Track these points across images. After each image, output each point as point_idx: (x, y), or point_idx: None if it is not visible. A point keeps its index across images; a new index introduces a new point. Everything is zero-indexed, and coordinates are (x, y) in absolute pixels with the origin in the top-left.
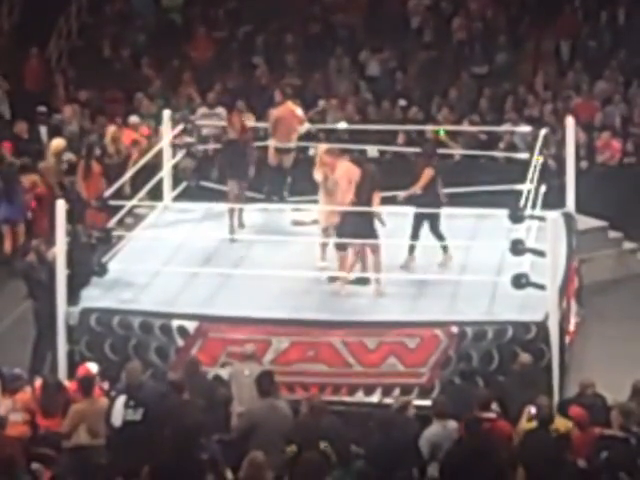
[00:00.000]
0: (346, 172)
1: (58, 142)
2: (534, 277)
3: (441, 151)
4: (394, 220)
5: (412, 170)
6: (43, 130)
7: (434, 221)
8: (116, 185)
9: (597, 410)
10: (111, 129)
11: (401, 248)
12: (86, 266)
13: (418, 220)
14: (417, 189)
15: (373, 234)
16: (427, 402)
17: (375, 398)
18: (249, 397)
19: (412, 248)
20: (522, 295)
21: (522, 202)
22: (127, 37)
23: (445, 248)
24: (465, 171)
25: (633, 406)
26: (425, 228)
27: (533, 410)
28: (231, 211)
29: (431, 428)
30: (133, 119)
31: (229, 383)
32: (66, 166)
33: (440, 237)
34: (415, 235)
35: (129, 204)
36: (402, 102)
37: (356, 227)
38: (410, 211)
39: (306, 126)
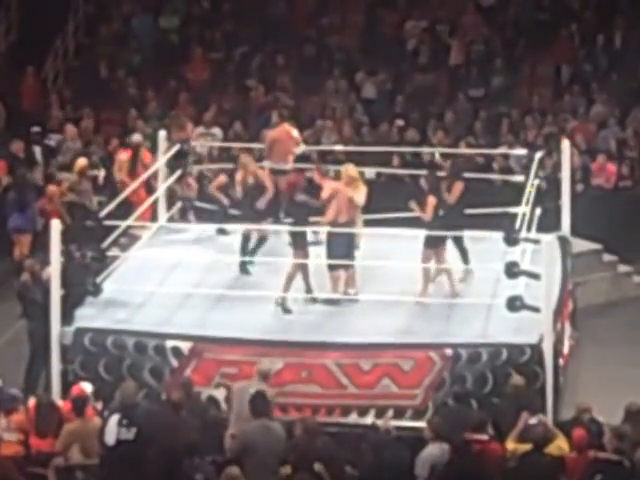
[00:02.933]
0: (333, 192)
1: (82, 160)
2: (529, 300)
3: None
4: (388, 242)
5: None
6: (37, 150)
7: (461, 237)
8: (111, 206)
9: (592, 433)
10: (120, 157)
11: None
12: (80, 286)
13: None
14: (450, 201)
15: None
16: (421, 424)
17: (369, 419)
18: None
19: (465, 261)
20: (516, 318)
21: (517, 225)
22: (123, 58)
23: (466, 262)
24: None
25: (627, 429)
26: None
27: (532, 420)
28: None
29: (428, 449)
30: (136, 137)
31: (230, 401)
32: (90, 185)
33: (464, 252)
34: (462, 250)
35: (124, 224)
36: (399, 122)
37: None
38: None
39: (302, 147)
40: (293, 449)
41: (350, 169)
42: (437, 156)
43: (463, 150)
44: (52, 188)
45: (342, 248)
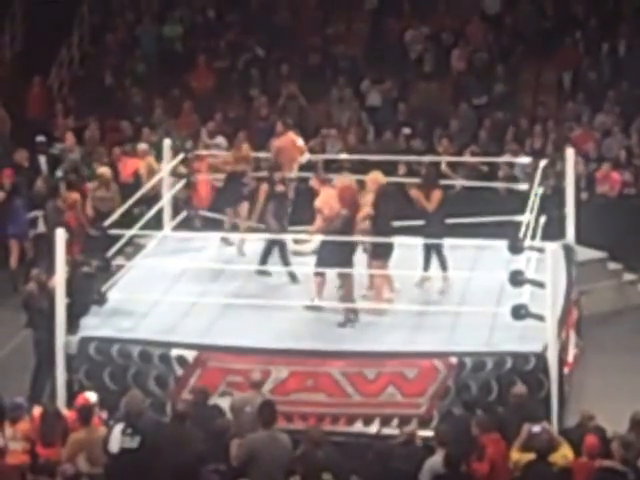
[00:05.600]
0: (328, 200)
1: (104, 169)
2: (533, 308)
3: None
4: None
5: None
6: (42, 159)
7: (440, 247)
8: (116, 214)
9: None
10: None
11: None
12: (86, 295)
13: (428, 247)
14: (430, 209)
15: (348, 263)
16: (426, 432)
17: (374, 428)
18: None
19: (426, 269)
20: (521, 326)
21: (522, 233)
22: (128, 66)
23: (445, 274)
24: (465, 202)
25: (633, 438)
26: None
27: (535, 428)
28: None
29: (434, 457)
30: (142, 146)
31: (234, 414)
32: (113, 193)
33: (443, 260)
34: (427, 259)
35: (129, 233)
36: (406, 130)
37: (334, 255)
38: (410, 241)
39: (307, 156)
40: (300, 459)
41: (379, 176)
42: (444, 166)
43: (468, 158)
44: (74, 195)
45: (333, 257)
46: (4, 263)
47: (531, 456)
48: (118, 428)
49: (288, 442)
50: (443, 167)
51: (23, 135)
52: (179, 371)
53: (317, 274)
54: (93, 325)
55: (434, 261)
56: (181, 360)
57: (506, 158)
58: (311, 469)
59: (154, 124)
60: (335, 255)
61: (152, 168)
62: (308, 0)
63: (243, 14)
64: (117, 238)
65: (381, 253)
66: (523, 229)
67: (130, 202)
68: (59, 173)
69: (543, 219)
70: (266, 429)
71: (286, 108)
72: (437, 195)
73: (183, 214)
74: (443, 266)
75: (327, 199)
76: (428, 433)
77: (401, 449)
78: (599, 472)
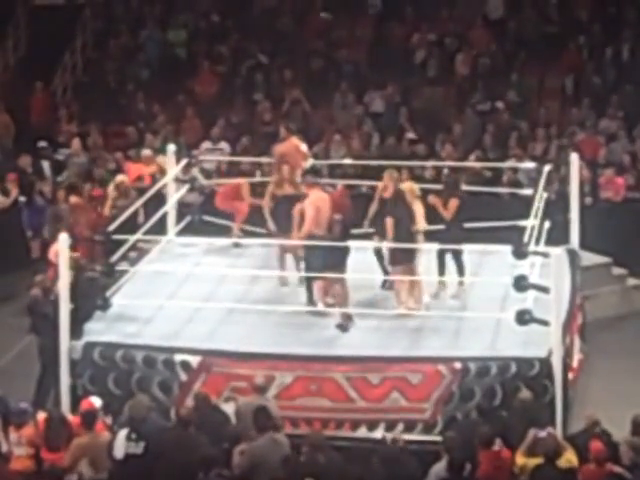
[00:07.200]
0: (314, 201)
1: (120, 177)
2: (538, 313)
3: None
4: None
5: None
6: (46, 165)
7: (459, 252)
8: (121, 218)
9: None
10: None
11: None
12: (90, 300)
13: (443, 252)
14: (447, 217)
15: (340, 266)
16: (431, 437)
17: (378, 434)
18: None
19: (441, 275)
20: (525, 331)
21: (526, 238)
22: (132, 72)
23: (461, 281)
24: (469, 207)
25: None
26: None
27: (542, 434)
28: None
29: (440, 463)
30: (146, 152)
31: (239, 418)
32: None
33: (461, 267)
34: (442, 266)
35: (133, 238)
36: (410, 135)
37: (324, 258)
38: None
39: (310, 161)
40: (285, 464)
41: (414, 186)
42: (446, 172)
43: (472, 164)
44: (75, 199)
45: (320, 260)
46: (4, 267)
47: (536, 461)
48: (122, 433)
49: (288, 445)
50: (446, 172)
51: (26, 140)
52: (183, 376)
53: (318, 279)
54: (97, 330)
55: (449, 266)
56: (185, 365)
57: (510, 163)
58: (295, 474)
59: (157, 129)
60: (327, 259)
61: (163, 169)
62: (312, 5)
63: (246, 19)
64: (122, 243)
65: (400, 259)
66: (527, 234)
67: (138, 204)
68: (62, 178)
69: (547, 224)
70: (262, 435)
71: (290, 113)
72: (454, 203)
73: (187, 219)
74: (460, 271)
75: (312, 202)
76: (415, 437)
77: (405, 455)
78: (610, 477)
